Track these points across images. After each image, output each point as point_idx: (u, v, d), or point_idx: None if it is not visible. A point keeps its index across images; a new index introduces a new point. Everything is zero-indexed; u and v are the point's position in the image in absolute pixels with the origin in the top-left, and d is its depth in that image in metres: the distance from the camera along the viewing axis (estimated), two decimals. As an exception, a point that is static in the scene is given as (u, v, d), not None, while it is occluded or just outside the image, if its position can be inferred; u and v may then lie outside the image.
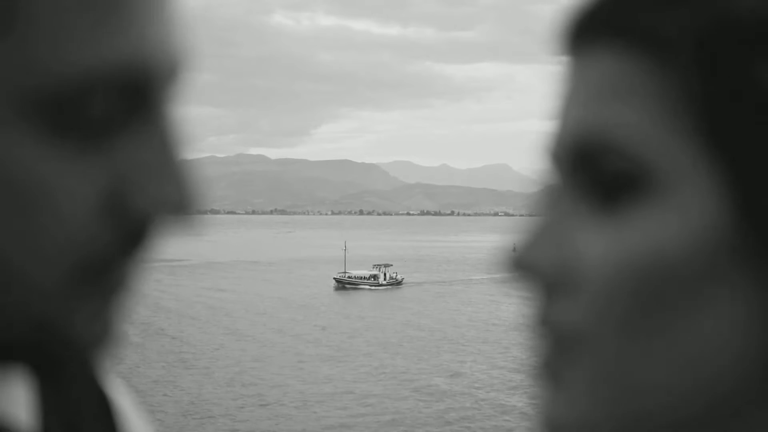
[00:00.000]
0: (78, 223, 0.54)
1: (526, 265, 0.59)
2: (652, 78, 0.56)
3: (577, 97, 0.59)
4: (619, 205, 0.56)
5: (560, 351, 0.59)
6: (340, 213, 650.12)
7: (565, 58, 0.61)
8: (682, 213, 0.55)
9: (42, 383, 0.68)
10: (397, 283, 65.44)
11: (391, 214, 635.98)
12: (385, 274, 66.30)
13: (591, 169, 0.57)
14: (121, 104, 0.55)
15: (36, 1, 0.52)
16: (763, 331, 0.55)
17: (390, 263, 69.54)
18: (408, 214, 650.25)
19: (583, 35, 0.59)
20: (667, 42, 0.55)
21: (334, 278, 65.55)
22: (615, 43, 0.57)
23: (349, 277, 65.84)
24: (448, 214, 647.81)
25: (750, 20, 0.54)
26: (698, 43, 0.54)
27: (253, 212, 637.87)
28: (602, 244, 0.57)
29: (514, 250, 0.59)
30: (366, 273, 66.97)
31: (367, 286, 64.21)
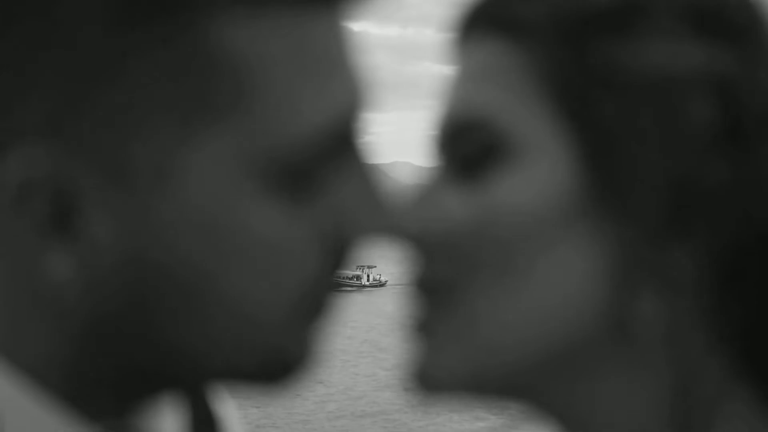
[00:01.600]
0: (305, 266, 0.60)
1: (400, 230, 0.65)
2: (518, 61, 0.65)
3: (457, 82, 0.69)
4: (484, 172, 0.65)
5: (432, 307, 0.65)
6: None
7: (454, 52, 0.71)
8: (538, 176, 0.63)
9: (192, 403, 0.75)
10: (380, 285, 62.97)
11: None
12: (368, 276, 63.64)
13: (462, 143, 0.66)
14: (333, 151, 0.60)
15: (266, 73, 0.56)
16: (610, 280, 0.62)
17: (374, 264, 66.89)
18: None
19: (466, 30, 0.69)
20: (530, 28, 0.65)
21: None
22: (490, 34, 0.67)
23: (331, 275, 63.37)
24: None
25: (598, 7, 0.63)
26: (556, 28, 0.64)
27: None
28: (468, 206, 0.64)
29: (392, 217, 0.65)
30: (349, 273, 64.35)
31: (349, 287, 61.65)
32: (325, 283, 0.62)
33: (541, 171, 0.63)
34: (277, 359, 0.61)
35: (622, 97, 0.61)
